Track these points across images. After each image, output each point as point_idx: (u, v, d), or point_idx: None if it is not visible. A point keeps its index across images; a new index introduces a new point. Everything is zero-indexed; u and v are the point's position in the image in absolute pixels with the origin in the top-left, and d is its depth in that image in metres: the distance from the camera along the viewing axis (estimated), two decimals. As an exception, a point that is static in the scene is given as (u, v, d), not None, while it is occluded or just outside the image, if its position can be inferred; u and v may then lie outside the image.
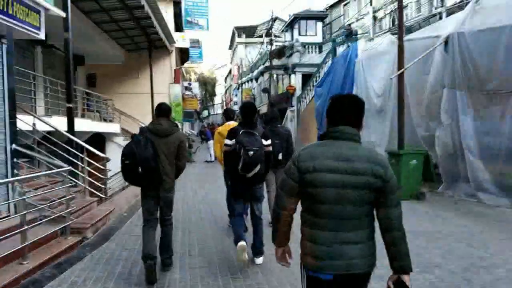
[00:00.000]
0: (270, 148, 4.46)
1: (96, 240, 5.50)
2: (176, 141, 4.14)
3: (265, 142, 4.29)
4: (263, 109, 29.31)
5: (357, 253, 1.95)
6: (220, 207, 7.34)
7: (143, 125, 4.57)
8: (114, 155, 15.35)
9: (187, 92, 24.39)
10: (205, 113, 62.54)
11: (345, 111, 2.03)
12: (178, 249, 5.10)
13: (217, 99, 72.44)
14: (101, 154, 7.02)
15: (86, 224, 5.59)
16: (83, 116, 13.99)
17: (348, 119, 2.01)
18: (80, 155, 6.99)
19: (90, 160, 7.17)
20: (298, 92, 21.70)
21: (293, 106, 21.95)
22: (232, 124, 5.58)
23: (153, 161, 3.88)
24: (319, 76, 19.30)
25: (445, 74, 9.20)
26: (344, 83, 15.92)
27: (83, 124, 12.01)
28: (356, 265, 1.95)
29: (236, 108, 44.33)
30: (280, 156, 5.57)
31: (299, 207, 2.10)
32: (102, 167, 7.32)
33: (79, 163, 7.08)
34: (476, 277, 4.18)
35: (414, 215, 7.04)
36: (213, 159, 17.16)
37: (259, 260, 4.49)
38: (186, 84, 24.77)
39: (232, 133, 4.32)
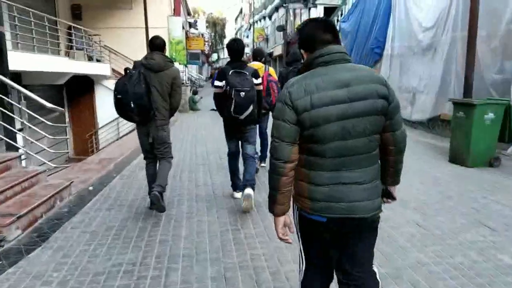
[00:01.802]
0: (261, 87, 4.34)
1: (24, 243, 3.47)
2: (170, 78, 3.98)
3: (255, 81, 4.15)
4: (278, 50, 26.43)
5: (361, 194, 1.72)
6: (227, 175, 5.11)
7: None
8: (103, 101, 13.34)
9: (193, 30, 21.59)
10: (215, 56, 59.40)
11: (325, 30, 1.75)
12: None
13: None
14: (48, 104, 4.76)
15: (7, 218, 3.52)
16: (67, 55, 11.69)
17: (331, 39, 1.74)
18: (18, 105, 4.77)
19: (36, 115, 4.91)
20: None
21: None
22: (257, 64, 5.39)
23: (146, 97, 3.78)
24: (345, 9, 16.40)
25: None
26: (376, 16, 13.27)
27: (62, 64, 9.78)
28: (358, 208, 1.72)
29: (247, 50, 41.36)
30: None
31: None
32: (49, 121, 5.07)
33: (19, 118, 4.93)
34: None
35: (495, 192, 4.88)
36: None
37: (249, 190, 4.16)
38: (191, 20, 21.90)
39: (221, 74, 4.14)
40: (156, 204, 3.87)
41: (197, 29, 21.03)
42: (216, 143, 8.20)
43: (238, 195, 4.58)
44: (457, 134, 6.47)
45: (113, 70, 13.31)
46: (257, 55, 5.92)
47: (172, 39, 14.37)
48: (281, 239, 1.83)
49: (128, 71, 3.82)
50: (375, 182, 1.77)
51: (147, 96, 3.78)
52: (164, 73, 3.93)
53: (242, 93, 3.91)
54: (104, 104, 12.56)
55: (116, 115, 4.05)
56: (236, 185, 4.64)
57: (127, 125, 12.20)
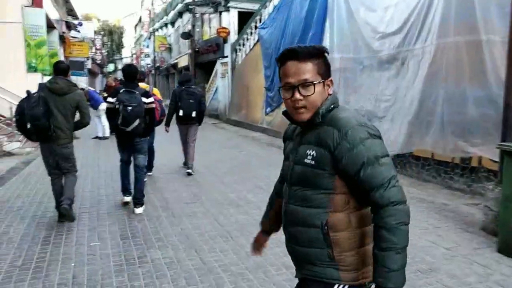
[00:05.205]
0: (153, 105, 4.86)
1: None
2: (74, 101, 4.31)
3: (146, 100, 4.69)
4: (183, 60, 22.88)
5: None
6: None
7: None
8: None
9: (73, 33, 17.05)
10: (111, 67, 53.45)
11: None
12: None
13: (126, 52, 64.31)
14: None
15: None
16: None
17: None
18: None
19: None
20: (233, 37, 15.81)
21: (226, 57, 16.10)
22: (142, 86, 5.59)
23: (44, 118, 4.05)
24: (264, 14, 13.66)
25: None
26: (307, 21, 10.74)
27: None
28: None
29: (149, 61, 36.97)
30: (194, 114, 6.71)
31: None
32: None
33: None
34: None
35: None
36: (107, 133, 10.95)
37: (139, 210, 4.83)
38: (73, 21, 17.30)
39: (114, 92, 4.76)
40: (66, 216, 4.24)
41: (78, 31, 16.58)
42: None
43: (128, 199, 5.15)
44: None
45: None
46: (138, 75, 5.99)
47: (29, 38, 9.97)
48: None
49: (29, 93, 4.11)
50: None
51: (46, 118, 4.05)
52: (69, 97, 4.26)
53: (129, 108, 4.51)
54: None
55: None
56: (126, 189, 5.15)
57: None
